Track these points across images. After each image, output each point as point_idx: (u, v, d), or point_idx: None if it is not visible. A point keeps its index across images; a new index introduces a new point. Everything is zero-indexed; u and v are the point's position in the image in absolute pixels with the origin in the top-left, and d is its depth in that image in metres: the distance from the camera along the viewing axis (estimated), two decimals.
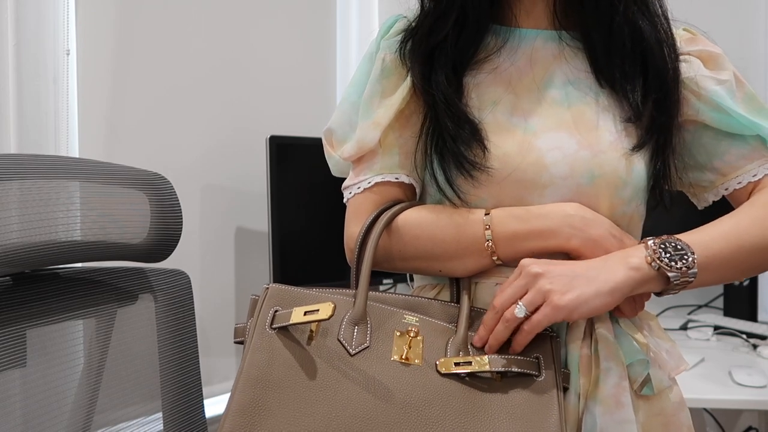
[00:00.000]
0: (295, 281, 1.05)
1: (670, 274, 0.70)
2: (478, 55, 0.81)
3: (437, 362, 0.70)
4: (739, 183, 0.80)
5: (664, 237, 0.72)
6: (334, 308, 0.67)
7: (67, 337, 0.93)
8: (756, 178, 0.80)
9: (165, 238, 0.99)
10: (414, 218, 0.78)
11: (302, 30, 1.91)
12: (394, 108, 0.81)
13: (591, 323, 0.76)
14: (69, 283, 0.93)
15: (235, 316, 1.74)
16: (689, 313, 2.02)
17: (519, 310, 0.70)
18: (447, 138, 0.78)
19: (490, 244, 0.75)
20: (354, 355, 0.68)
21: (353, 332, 0.70)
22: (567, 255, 0.76)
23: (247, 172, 1.73)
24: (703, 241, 0.73)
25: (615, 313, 0.77)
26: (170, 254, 1.02)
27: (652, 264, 0.70)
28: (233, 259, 1.73)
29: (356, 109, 0.83)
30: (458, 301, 0.79)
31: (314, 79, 1.95)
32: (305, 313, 0.68)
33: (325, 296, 0.73)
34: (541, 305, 0.69)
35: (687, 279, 0.70)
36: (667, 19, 0.81)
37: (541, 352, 0.72)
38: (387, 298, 0.75)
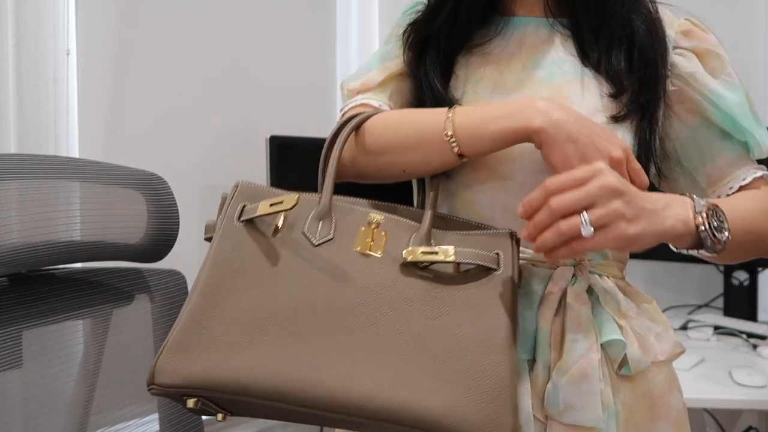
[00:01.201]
0: None
1: (707, 243, 0.68)
2: (472, 42, 0.84)
3: (404, 251, 0.70)
4: (731, 188, 0.81)
5: (711, 203, 0.70)
6: (299, 198, 0.69)
7: (63, 338, 0.93)
8: (746, 182, 0.81)
9: (162, 238, 1.00)
10: (381, 117, 0.79)
11: (302, 30, 1.91)
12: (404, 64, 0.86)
13: (564, 296, 0.76)
14: (65, 283, 0.94)
15: None
16: (689, 313, 2.02)
17: (586, 231, 0.61)
18: None
19: (450, 133, 0.73)
20: (317, 245, 0.70)
21: (318, 226, 0.72)
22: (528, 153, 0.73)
23: (247, 173, 1.72)
24: (731, 218, 0.71)
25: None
26: (167, 254, 1.02)
27: (700, 227, 0.67)
28: None
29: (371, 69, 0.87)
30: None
31: (314, 79, 1.95)
32: (271, 205, 0.70)
33: (292, 193, 0.73)
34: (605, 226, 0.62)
35: (714, 250, 0.69)
36: (656, 11, 0.83)
37: (501, 248, 0.72)
38: (354, 200, 0.76)
